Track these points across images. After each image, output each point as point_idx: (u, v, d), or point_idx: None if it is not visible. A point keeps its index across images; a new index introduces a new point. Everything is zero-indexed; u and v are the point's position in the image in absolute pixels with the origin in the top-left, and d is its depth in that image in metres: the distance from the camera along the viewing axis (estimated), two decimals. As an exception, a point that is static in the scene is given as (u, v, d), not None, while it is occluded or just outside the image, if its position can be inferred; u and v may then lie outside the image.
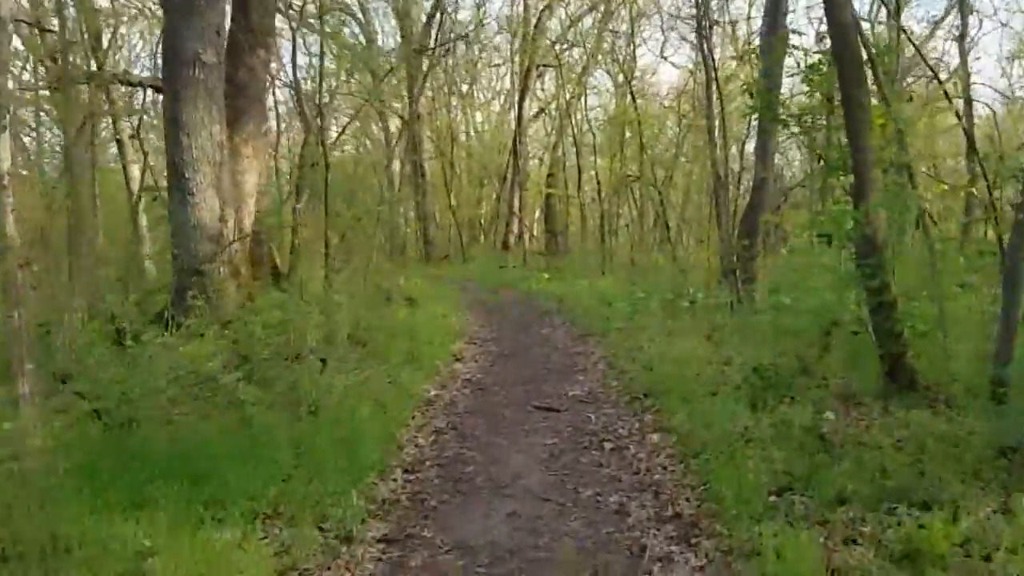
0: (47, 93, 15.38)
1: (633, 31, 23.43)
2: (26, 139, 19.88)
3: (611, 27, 24.93)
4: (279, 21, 13.02)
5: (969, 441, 4.58)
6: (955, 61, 18.16)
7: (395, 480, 4.48)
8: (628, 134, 25.03)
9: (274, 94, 30.30)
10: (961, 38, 17.83)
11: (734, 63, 22.75)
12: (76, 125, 12.37)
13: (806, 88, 9.91)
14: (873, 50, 7.93)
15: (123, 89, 15.45)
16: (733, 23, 21.55)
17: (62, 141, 15.43)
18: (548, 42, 25.55)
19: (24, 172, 18.09)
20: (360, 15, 25.65)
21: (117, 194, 16.24)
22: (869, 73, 7.19)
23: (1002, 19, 24.35)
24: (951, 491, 3.87)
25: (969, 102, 15.78)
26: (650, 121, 21.79)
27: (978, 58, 21.39)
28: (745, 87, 11.28)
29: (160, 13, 10.65)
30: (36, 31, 13.49)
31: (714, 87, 14.61)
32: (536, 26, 25.32)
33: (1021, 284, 5.25)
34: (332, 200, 16.83)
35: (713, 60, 13.78)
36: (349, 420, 5.32)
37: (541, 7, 25.56)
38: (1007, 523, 3.49)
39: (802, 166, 26.54)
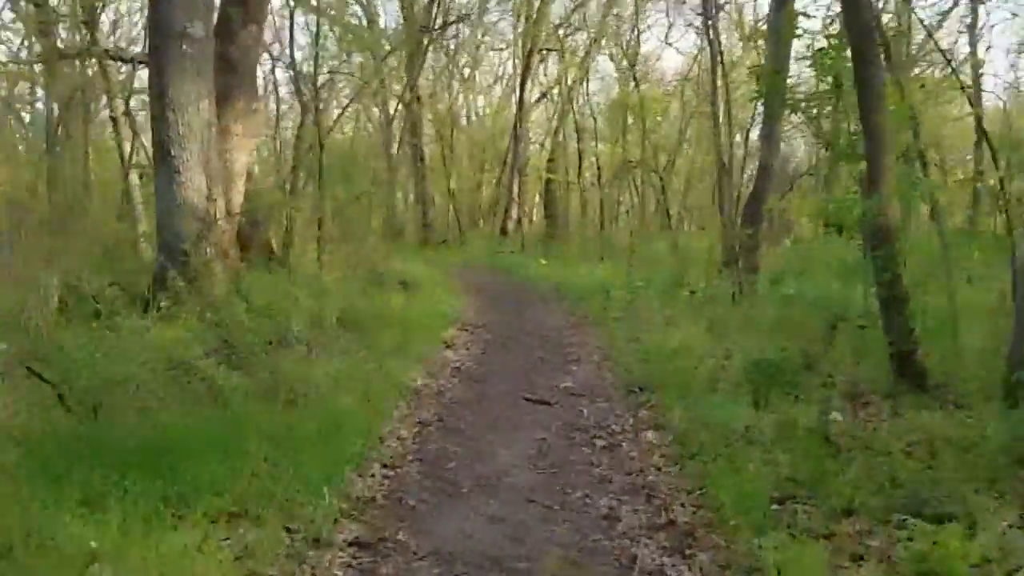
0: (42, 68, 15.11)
1: (638, 15, 23.04)
2: (25, 115, 19.65)
3: (615, 11, 24.53)
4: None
5: (983, 446, 4.32)
6: (962, 53, 17.80)
7: (373, 476, 4.22)
8: (630, 120, 24.73)
9: (274, 74, 30.10)
10: (971, 28, 17.48)
11: (739, 49, 22.40)
12: (62, 101, 12.07)
13: (813, 73, 9.64)
14: (889, 35, 7.62)
15: (121, 67, 15.14)
16: (740, 7, 21.12)
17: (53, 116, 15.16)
18: (551, 25, 25.11)
19: (20, 148, 17.84)
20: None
21: (114, 172, 15.98)
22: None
23: (1012, 9, 23.80)
24: (966, 502, 3.61)
25: (979, 93, 15.46)
26: (653, 106, 21.42)
27: (989, 48, 20.94)
28: (752, 70, 10.94)
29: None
30: (30, 4, 13.18)
31: (719, 72, 14.25)
32: (539, 9, 24.87)
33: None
34: (329, 182, 16.60)
35: (719, 43, 13.39)
36: (330, 410, 5.07)
37: (545, -11, 25.11)
38: (1027, 539, 3.24)
39: (806, 154, 26.25)
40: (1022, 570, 2.98)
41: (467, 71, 30.90)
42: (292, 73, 15.17)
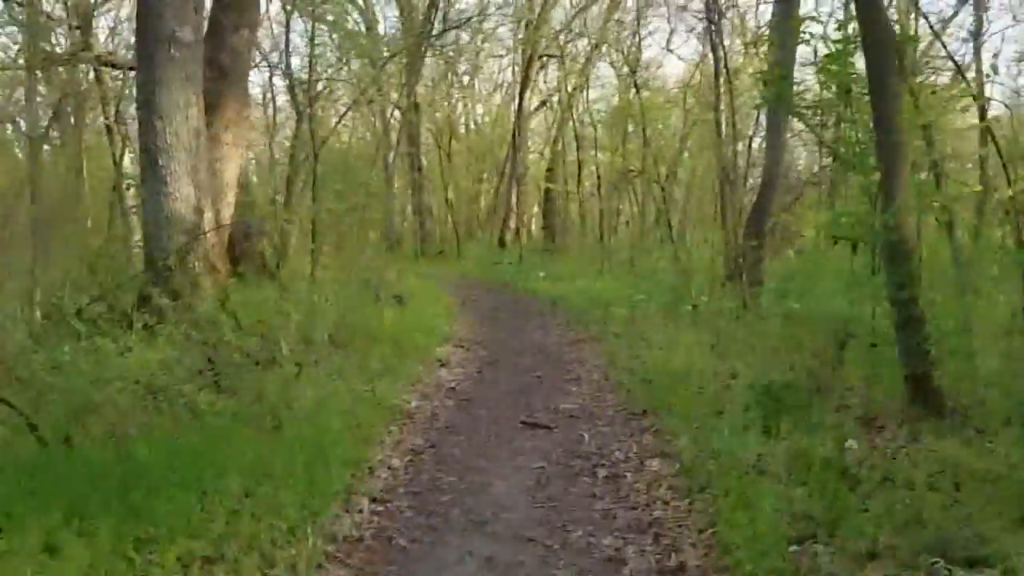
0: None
1: (639, 21, 22.89)
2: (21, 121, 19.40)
3: (616, 16, 24.38)
4: (274, 4, 12.49)
5: (1010, 479, 4.07)
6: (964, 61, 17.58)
7: (361, 512, 3.95)
8: (631, 128, 24.51)
9: (271, 82, 29.92)
10: (976, 35, 17.28)
11: (742, 57, 22.22)
12: (55, 106, 11.83)
13: (821, 79, 9.41)
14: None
15: (119, 74, 14.89)
16: (742, 14, 20.95)
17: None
18: (552, 31, 24.94)
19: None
20: (360, 1, 25.04)
21: (108, 181, 15.70)
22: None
23: (1015, 15, 23.62)
24: (997, 544, 3.35)
25: (984, 101, 15.23)
26: (654, 113, 21.21)
27: (995, 55, 20.69)
28: (759, 75, 10.70)
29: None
30: (18, 5, 12.94)
31: (723, 79, 14.03)
32: (540, 14, 24.71)
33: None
34: (325, 192, 16.33)
35: (724, 49, 13.17)
36: (317, 437, 4.79)
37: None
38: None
39: (807, 163, 26.04)
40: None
41: (466, 79, 30.77)
42: (287, 80, 14.94)
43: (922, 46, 15.03)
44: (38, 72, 14.93)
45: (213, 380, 5.77)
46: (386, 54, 20.94)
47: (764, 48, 20.42)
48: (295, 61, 25.87)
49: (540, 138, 30.75)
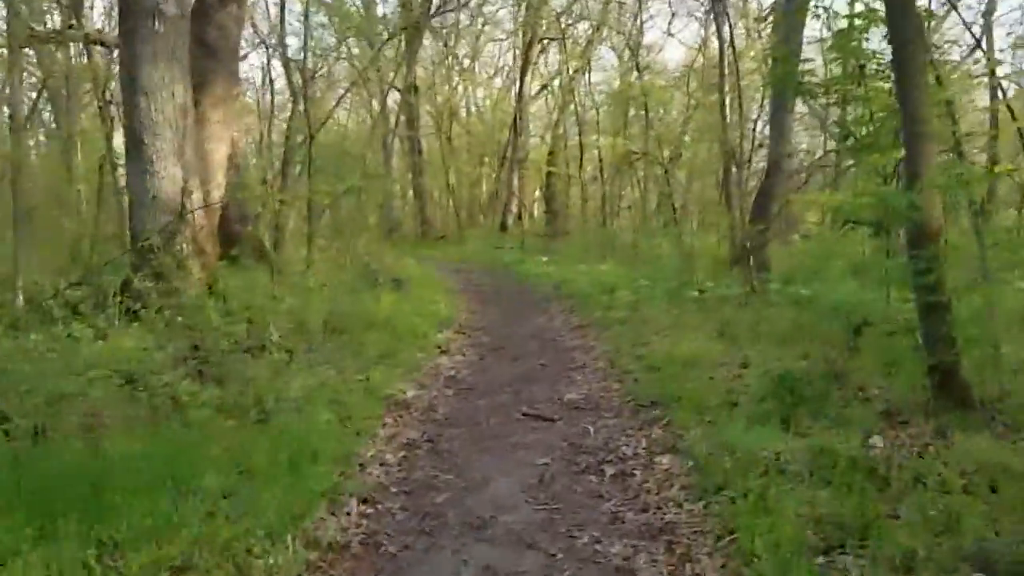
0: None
1: (640, 3, 22.43)
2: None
3: (617, -1, 23.91)
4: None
5: (1050, 479, 3.77)
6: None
7: (348, 515, 3.65)
8: (631, 112, 24.09)
9: (269, 65, 29.43)
10: (988, 15, 16.85)
11: (744, 39, 21.79)
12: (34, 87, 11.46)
13: (833, 57, 9.04)
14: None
15: (109, 53, 14.49)
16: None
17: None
18: (553, 14, 24.45)
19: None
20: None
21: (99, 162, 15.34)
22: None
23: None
24: (1045, 553, 3.05)
25: (997, 81, 14.82)
26: (656, 96, 20.80)
27: (1010, 34, 20.30)
28: (767, 51, 10.32)
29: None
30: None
31: (727, 59, 13.63)
32: (540, -5, 24.22)
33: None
34: (323, 175, 15.96)
35: (731, 27, 12.77)
36: (306, 430, 4.50)
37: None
38: None
39: (810, 146, 25.61)
40: None
41: (467, 62, 30.31)
42: (283, 60, 14.55)
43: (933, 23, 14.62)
44: (28, 51, 14.58)
45: (197, 368, 5.48)
46: (384, 35, 20.55)
47: (768, 30, 20.05)
48: (294, 42, 25.44)
49: (541, 122, 30.32)
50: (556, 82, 27.44)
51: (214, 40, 8.59)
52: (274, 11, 18.79)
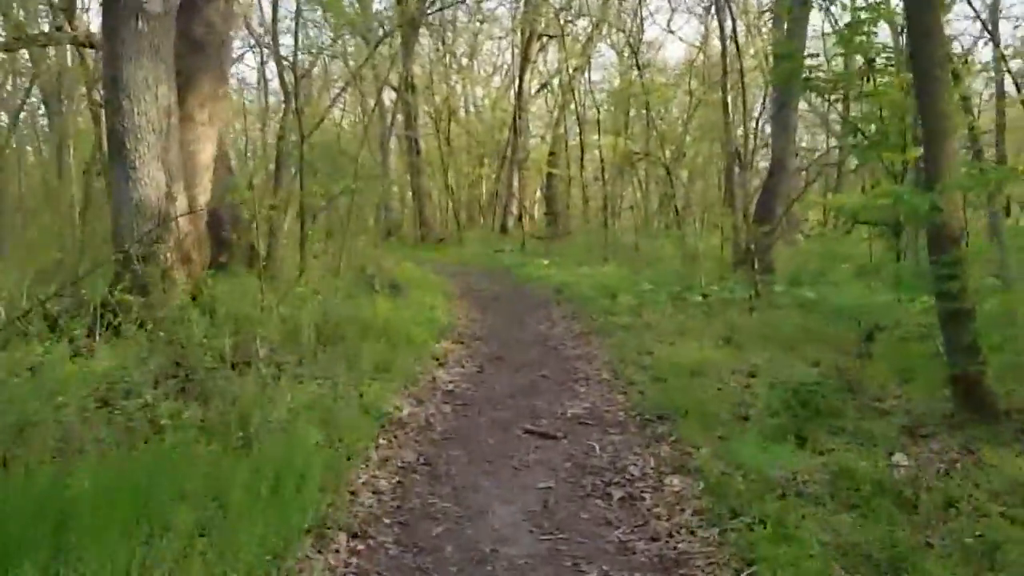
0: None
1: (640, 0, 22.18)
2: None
3: (617, -5, 23.66)
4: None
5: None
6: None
7: (336, 552, 3.38)
8: (632, 112, 23.83)
9: (263, 63, 29.13)
10: (994, 8, 16.59)
11: (745, 36, 21.52)
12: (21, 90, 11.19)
13: (840, 51, 8.80)
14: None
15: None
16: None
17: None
18: (552, 10, 24.16)
19: None
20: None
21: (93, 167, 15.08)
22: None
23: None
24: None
25: (1004, 74, 14.54)
26: (658, 94, 20.52)
27: (1016, 26, 20.02)
28: (774, 46, 10.05)
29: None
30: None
31: (730, 53, 13.36)
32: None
33: None
34: (318, 177, 15.66)
35: (735, 22, 12.50)
36: (293, 454, 4.21)
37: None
38: None
39: (811, 144, 25.33)
40: None
41: (464, 60, 30.03)
42: (274, 56, 14.27)
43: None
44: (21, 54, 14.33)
45: (179, 387, 5.20)
46: (380, 32, 20.25)
47: (769, 25, 19.78)
48: (290, 41, 25.14)
49: (542, 122, 30.06)
50: (556, 81, 27.18)
51: (201, 37, 8.31)
52: (269, 11, 18.45)
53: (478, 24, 28.13)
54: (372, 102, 21.27)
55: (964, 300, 4.71)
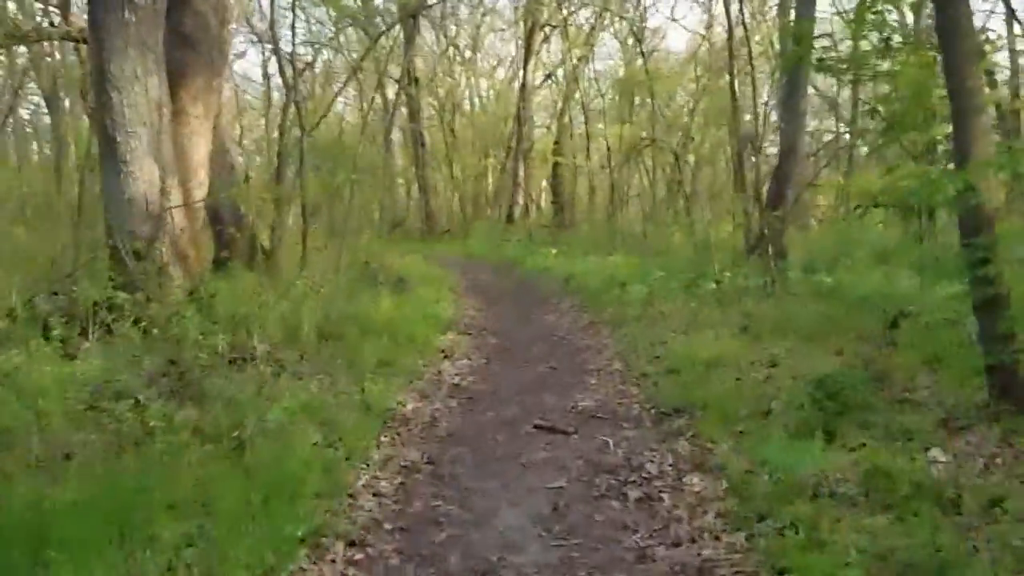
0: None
1: (644, -14, 21.82)
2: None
3: (619, -18, 23.31)
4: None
5: None
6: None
7: (333, 562, 3.14)
8: (637, 100, 23.48)
9: (263, 54, 28.93)
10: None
11: (749, 20, 21.13)
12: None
13: (854, 29, 8.47)
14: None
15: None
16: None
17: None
18: (555, 1, 23.81)
19: None
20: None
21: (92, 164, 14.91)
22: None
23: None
24: None
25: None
26: (663, 82, 20.18)
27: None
28: (785, 28, 9.75)
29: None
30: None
31: (736, 38, 13.02)
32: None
33: None
34: (321, 171, 15.44)
35: (742, 4, 12.17)
36: (290, 457, 3.99)
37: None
38: None
39: (817, 128, 24.91)
40: None
41: (468, 53, 29.75)
42: (273, 49, 14.02)
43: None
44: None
45: (173, 387, 4.98)
46: (382, 25, 19.99)
47: (773, 12, 19.42)
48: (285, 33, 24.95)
49: (546, 112, 29.75)
50: (560, 71, 26.87)
51: (192, 29, 8.06)
52: (268, 6, 18.19)
53: (480, 17, 27.86)
54: (373, 95, 20.99)
55: (999, 286, 4.42)
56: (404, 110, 25.66)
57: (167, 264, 6.88)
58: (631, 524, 3.52)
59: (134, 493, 3.37)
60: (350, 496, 3.79)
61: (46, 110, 19.58)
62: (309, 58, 20.16)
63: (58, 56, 17.53)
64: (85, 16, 9.84)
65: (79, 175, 10.75)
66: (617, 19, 23.76)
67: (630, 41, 23.71)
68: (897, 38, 7.81)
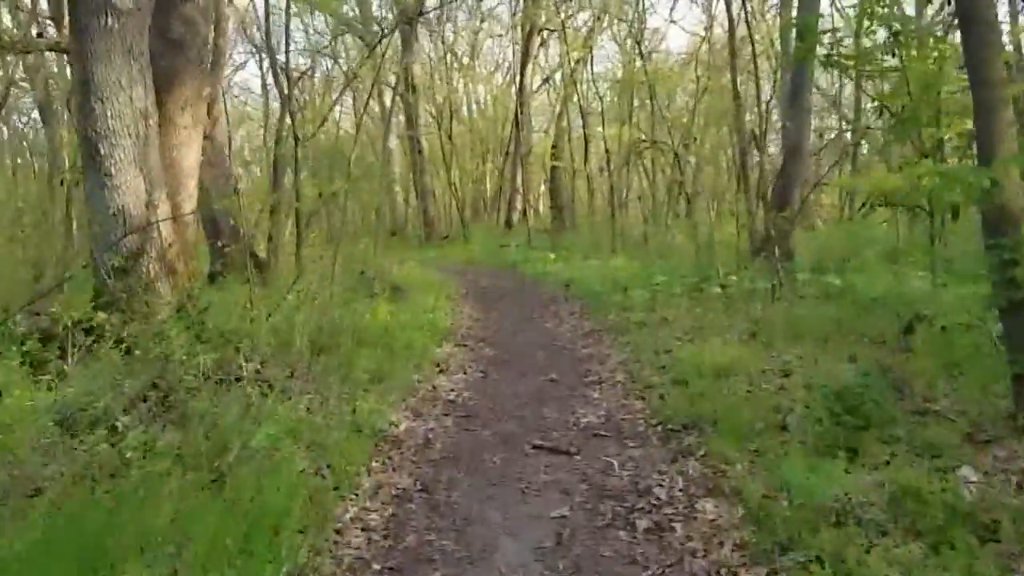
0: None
1: (642, -11, 21.58)
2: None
3: (617, -16, 23.10)
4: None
5: None
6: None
7: (316, 609, 2.89)
8: (636, 103, 23.23)
9: (261, 66, 28.77)
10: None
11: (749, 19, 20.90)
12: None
13: (862, 24, 8.22)
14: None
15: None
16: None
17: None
18: (552, 6, 23.59)
19: None
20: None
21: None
22: None
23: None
24: None
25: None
26: (663, 83, 19.94)
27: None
28: (781, 28, 9.52)
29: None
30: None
31: (737, 37, 12.77)
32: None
33: None
34: (318, 179, 15.21)
35: (746, 5, 11.92)
36: (274, 485, 3.73)
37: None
38: None
39: (818, 127, 24.63)
40: None
41: (465, 59, 29.56)
42: (269, 58, 13.80)
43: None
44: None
45: (154, 410, 4.72)
46: (379, 33, 19.76)
47: (772, 12, 19.17)
48: (290, 45, 24.77)
49: (545, 116, 29.55)
50: (558, 75, 26.67)
51: (180, 36, 7.81)
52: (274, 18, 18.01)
53: (478, 23, 27.70)
54: (369, 103, 20.80)
55: (1025, 287, 4.16)
56: (402, 117, 25.48)
57: (154, 280, 6.62)
58: (641, 559, 3.25)
59: (103, 533, 3.11)
60: (336, 531, 3.53)
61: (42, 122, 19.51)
62: (306, 67, 19.98)
63: (54, 68, 17.40)
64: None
65: (65, 188, 10.52)
66: (616, 21, 23.56)
67: (629, 43, 23.49)
68: (911, 26, 7.60)
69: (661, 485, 3.98)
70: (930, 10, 10.61)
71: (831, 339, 6.65)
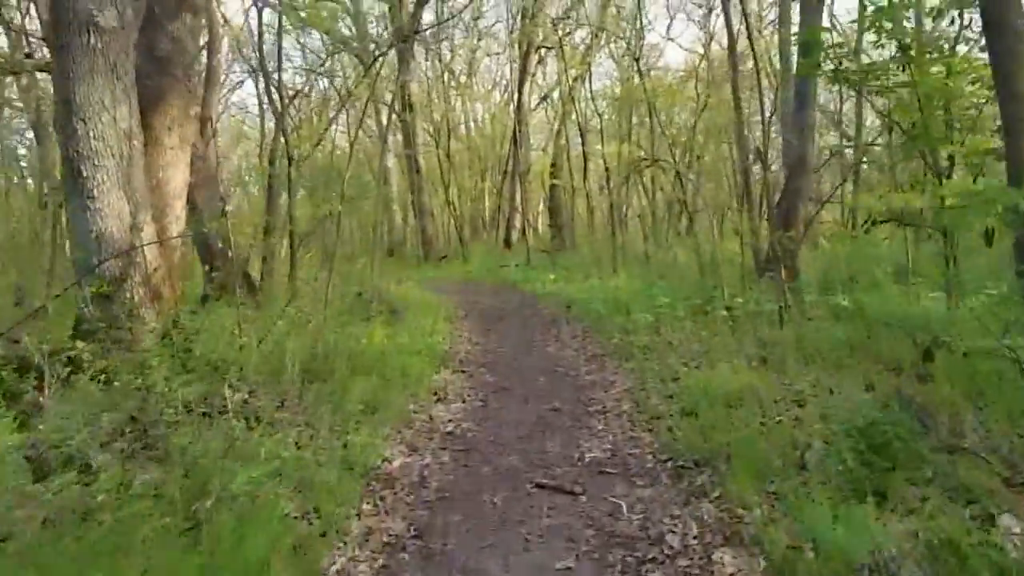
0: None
1: (640, 7, 21.53)
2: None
3: (615, 2, 23.09)
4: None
5: None
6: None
7: None
8: (635, 120, 23.10)
9: (256, 80, 28.68)
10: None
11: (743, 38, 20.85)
12: None
13: (871, 38, 8.04)
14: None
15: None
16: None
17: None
18: (549, 21, 23.52)
19: None
20: (349, 3, 23.70)
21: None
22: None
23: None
24: None
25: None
26: (662, 99, 19.79)
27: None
28: (780, 43, 9.34)
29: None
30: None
31: (737, 52, 12.60)
32: (535, 3, 23.31)
33: None
34: (314, 199, 14.97)
35: (746, 18, 11.75)
36: (255, 534, 3.45)
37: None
38: None
39: (818, 144, 24.50)
40: None
41: (463, 78, 29.51)
42: (262, 77, 13.63)
43: None
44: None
45: (132, 448, 4.44)
46: (375, 52, 19.64)
47: (771, 29, 19.07)
48: (286, 64, 24.72)
49: (543, 135, 29.46)
50: (556, 93, 26.59)
51: (167, 54, 7.59)
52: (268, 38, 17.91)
53: (475, 41, 27.67)
54: (366, 121, 20.66)
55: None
56: (399, 136, 25.35)
57: (138, 306, 6.36)
58: (655, 617, 2.97)
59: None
60: (323, 586, 3.25)
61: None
62: (302, 86, 19.84)
63: (49, 88, 17.30)
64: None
65: (51, 209, 10.28)
66: (614, 39, 23.49)
67: (626, 61, 23.42)
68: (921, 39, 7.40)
69: (674, 531, 3.70)
70: (935, 22, 10.42)
71: (844, 365, 6.37)
